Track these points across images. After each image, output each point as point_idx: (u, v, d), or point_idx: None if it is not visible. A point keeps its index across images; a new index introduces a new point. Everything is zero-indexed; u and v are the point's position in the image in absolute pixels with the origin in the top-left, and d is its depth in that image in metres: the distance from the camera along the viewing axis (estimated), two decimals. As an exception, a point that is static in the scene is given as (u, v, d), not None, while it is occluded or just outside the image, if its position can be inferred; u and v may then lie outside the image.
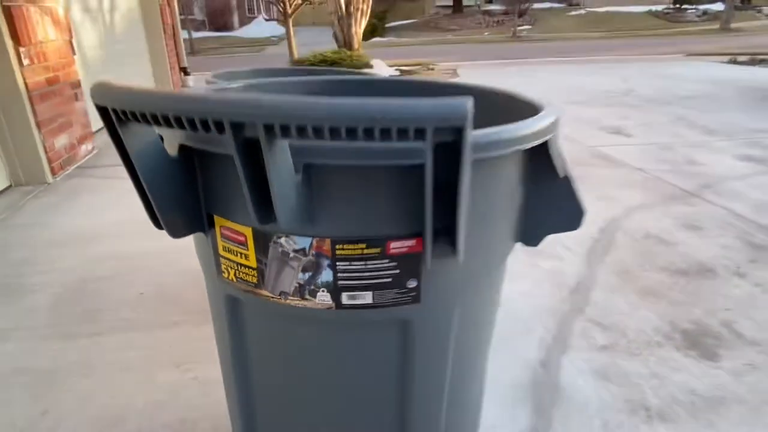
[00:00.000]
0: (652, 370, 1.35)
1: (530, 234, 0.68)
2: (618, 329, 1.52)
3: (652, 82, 6.38)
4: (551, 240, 2.08)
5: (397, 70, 7.87)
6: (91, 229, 2.23)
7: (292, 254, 0.54)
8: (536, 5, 24.03)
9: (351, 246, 0.52)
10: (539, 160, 0.61)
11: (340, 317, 0.56)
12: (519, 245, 0.74)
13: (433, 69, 8.52)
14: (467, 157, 0.41)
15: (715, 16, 20.56)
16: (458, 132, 0.41)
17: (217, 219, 0.59)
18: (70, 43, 3.08)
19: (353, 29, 8.10)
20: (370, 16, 8.64)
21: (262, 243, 0.55)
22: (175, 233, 0.58)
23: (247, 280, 0.59)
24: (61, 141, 2.86)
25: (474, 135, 0.49)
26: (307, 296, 0.56)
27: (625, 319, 1.57)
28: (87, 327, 1.53)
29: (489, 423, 1.18)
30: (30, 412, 1.20)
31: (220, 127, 0.42)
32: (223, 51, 17.55)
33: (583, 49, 12.09)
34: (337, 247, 0.52)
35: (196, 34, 20.29)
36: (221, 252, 0.60)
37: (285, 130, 0.41)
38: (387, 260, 0.53)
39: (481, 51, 13.23)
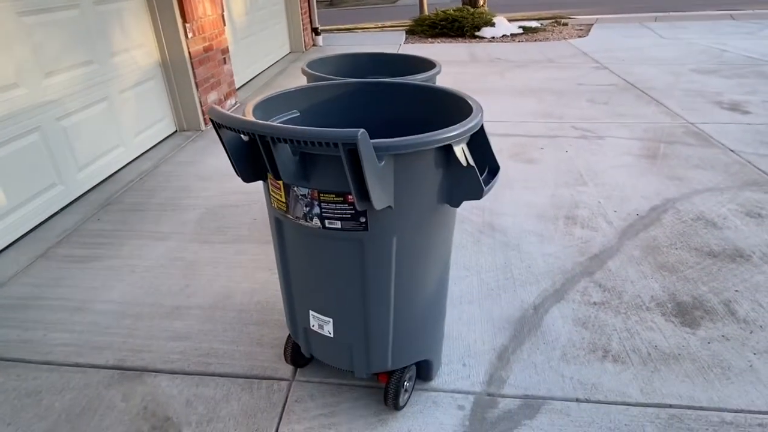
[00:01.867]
0: (628, 326, 1.62)
1: (451, 199, 1.05)
2: (615, 292, 1.78)
3: (817, 48, 5.54)
4: (595, 213, 2.30)
5: (520, 27, 7.74)
6: (227, 168, 2.95)
7: (299, 196, 1.01)
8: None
9: (328, 195, 0.98)
10: (449, 155, 0.99)
11: (325, 233, 1.02)
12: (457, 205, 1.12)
13: (566, 24, 8.17)
14: (364, 158, 0.82)
15: None
16: (355, 146, 0.82)
17: (267, 175, 1.07)
18: (222, 16, 3.81)
19: (479, -15, 8.08)
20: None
21: (287, 189, 1.02)
22: (247, 180, 1.08)
23: (282, 209, 1.08)
24: (212, 97, 3.65)
25: (396, 140, 0.90)
26: (308, 220, 1.03)
27: (627, 285, 1.81)
28: (217, 237, 2.20)
29: (473, 337, 1.58)
30: (179, 284, 1.88)
31: (255, 136, 0.90)
32: (358, 2, 18.22)
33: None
34: (321, 195, 0.98)
35: (336, -13, 21.17)
36: (270, 192, 1.09)
37: (276, 140, 0.87)
38: (347, 205, 0.97)
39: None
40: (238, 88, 4.21)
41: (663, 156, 2.91)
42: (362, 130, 0.80)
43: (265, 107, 1.21)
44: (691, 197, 2.43)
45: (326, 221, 1.01)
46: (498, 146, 3.14)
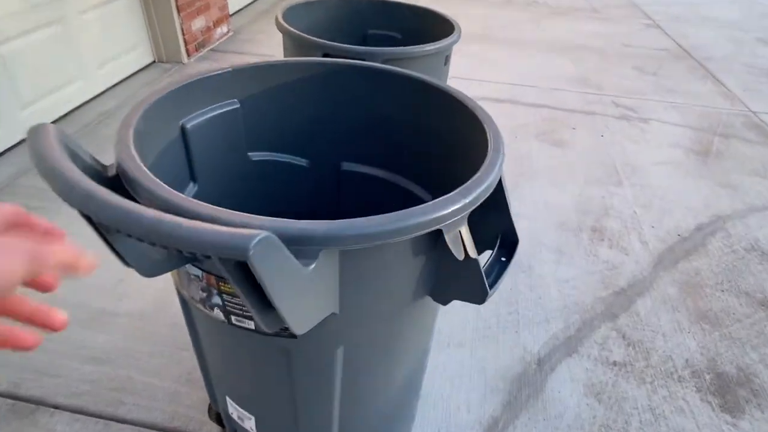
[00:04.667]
0: (653, 404, 1.28)
1: (436, 294, 0.68)
2: (642, 348, 1.43)
3: None
4: (628, 227, 1.90)
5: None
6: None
7: (192, 276, 0.63)
8: None
9: (229, 286, 0.60)
10: (437, 239, 0.60)
11: (233, 331, 0.66)
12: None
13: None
14: (264, 279, 0.44)
15: None
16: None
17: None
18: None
19: None
20: None
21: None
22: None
23: (177, 280, 0.72)
24: (197, 24, 3.13)
25: (341, 227, 0.51)
26: (209, 309, 0.66)
27: (657, 340, 1.45)
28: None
29: (457, 402, 1.26)
30: (113, 278, 1.55)
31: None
32: None
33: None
34: (221, 284, 0.61)
35: None
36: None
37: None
38: (263, 304, 0.60)
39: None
40: (233, 14, 3.66)
41: (716, 154, 2.44)
42: (261, 236, 0.42)
43: (182, 97, 0.80)
44: (746, 216, 2.01)
45: (232, 317, 0.64)
46: (524, 119, 2.67)
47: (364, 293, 0.62)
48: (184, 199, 0.52)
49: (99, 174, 0.60)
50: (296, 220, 0.50)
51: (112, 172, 0.61)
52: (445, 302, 0.68)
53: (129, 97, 2.62)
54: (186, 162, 0.83)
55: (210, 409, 1.12)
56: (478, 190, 0.59)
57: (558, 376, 1.33)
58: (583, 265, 1.71)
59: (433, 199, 0.90)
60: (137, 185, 0.56)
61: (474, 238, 0.67)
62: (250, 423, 0.86)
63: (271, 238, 0.42)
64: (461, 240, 0.59)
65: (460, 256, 0.59)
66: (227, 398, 0.87)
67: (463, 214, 0.58)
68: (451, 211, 0.56)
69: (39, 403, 1.19)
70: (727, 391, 1.33)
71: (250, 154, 0.96)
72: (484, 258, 0.74)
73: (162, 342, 1.35)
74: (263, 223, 0.49)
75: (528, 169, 2.21)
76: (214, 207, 0.51)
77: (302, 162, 1.02)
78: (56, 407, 1.18)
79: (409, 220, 0.53)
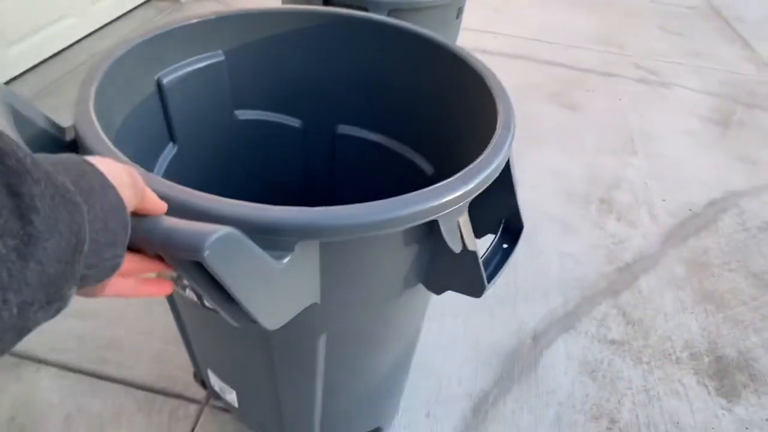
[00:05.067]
0: (648, 384, 1.26)
1: (429, 283, 0.62)
2: (642, 327, 1.39)
3: None
4: (639, 200, 1.82)
5: None
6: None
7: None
8: None
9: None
10: (431, 230, 0.53)
11: (208, 312, 0.61)
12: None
13: None
14: (225, 279, 0.38)
15: None
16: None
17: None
18: None
19: None
20: None
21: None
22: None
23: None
24: (198, -41, 2.94)
25: (321, 214, 0.45)
26: (181, 288, 0.61)
27: (658, 319, 1.42)
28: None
29: (448, 372, 1.24)
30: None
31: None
32: None
33: None
34: (192, 265, 0.55)
35: None
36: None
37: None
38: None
39: None
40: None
41: (737, 124, 2.33)
42: (219, 234, 0.35)
43: (158, 48, 0.71)
44: (761, 193, 1.93)
45: (204, 299, 0.59)
46: (535, 78, 2.54)
47: (349, 284, 0.57)
48: (143, 174, 0.45)
49: (55, 139, 0.53)
50: (269, 207, 0.44)
51: (70, 136, 0.54)
52: (438, 292, 0.62)
53: (124, 37, 2.49)
54: (164, 120, 0.76)
55: (195, 373, 1.10)
56: (482, 176, 0.52)
57: (553, 352, 1.31)
58: (588, 238, 1.65)
59: (435, 172, 0.84)
60: (93, 154, 0.49)
61: (475, 220, 0.61)
62: (231, 396, 0.83)
63: (231, 235, 0.36)
64: (459, 231, 0.53)
65: (457, 249, 0.53)
66: (209, 371, 0.84)
67: (462, 203, 0.51)
68: (449, 200, 0.49)
69: (23, 357, 1.17)
70: (725, 375, 1.30)
71: (237, 112, 0.88)
72: (485, 243, 0.68)
73: (151, 301, 1.32)
74: (230, 209, 0.43)
75: (536, 133, 2.11)
76: (174, 186, 0.44)
77: (295, 122, 0.94)
78: (41, 362, 1.17)
79: (401, 211, 0.46)
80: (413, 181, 0.84)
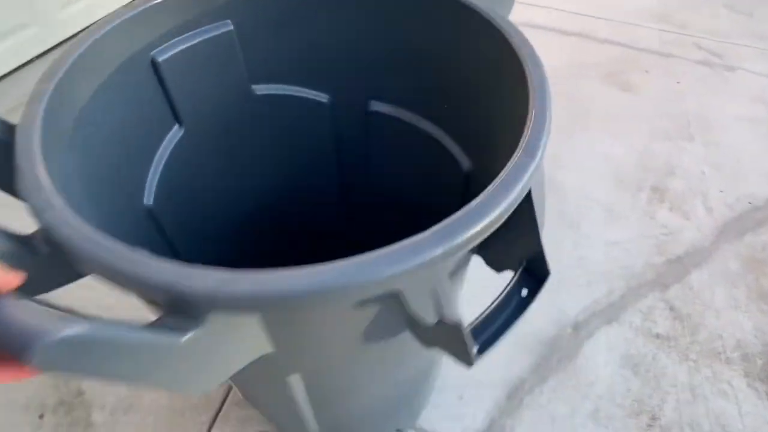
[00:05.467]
0: (693, 383, 1.20)
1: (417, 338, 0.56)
2: (690, 323, 1.32)
3: None
4: (693, 189, 1.72)
5: None
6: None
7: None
8: None
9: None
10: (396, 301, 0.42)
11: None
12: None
13: None
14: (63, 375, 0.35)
15: None
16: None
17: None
18: None
19: None
20: None
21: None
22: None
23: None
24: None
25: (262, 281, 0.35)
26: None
27: (708, 315, 1.34)
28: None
29: (487, 358, 1.21)
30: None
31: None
32: None
33: None
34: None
35: None
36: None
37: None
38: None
39: None
40: None
41: (808, 113, 2.15)
42: (51, 339, 0.28)
43: (149, 22, 0.63)
44: (831, 189, 1.79)
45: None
46: (588, 58, 2.41)
47: (303, 339, 0.50)
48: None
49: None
50: (165, 264, 0.35)
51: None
52: (428, 346, 0.53)
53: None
54: (165, 102, 0.69)
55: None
56: (470, 232, 0.38)
57: (594, 343, 1.26)
58: (636, 227, 1.58)
59: (471, 167, 0.73)
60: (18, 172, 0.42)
61: (490, 255, 0.54)
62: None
63: (76, 338, 0.28)
64: (433, 300, 0.43)
65: (431, 321, 0.44)
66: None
67: (432, 270, 0.38)
68: (411, 267, 0.36)
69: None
70: (778, 379, 1.23)
71: (254, 87, 0.79)
72: (503, 279, 0.57)
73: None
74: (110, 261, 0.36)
75: (586, 115, 2.01)
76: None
77: (322, 97, 0.83)
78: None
79: (342, 280, 0.35)
80: (449, 174, 0.77)
